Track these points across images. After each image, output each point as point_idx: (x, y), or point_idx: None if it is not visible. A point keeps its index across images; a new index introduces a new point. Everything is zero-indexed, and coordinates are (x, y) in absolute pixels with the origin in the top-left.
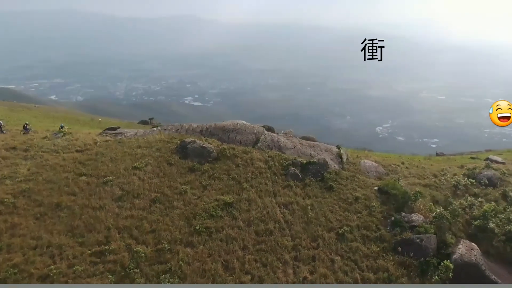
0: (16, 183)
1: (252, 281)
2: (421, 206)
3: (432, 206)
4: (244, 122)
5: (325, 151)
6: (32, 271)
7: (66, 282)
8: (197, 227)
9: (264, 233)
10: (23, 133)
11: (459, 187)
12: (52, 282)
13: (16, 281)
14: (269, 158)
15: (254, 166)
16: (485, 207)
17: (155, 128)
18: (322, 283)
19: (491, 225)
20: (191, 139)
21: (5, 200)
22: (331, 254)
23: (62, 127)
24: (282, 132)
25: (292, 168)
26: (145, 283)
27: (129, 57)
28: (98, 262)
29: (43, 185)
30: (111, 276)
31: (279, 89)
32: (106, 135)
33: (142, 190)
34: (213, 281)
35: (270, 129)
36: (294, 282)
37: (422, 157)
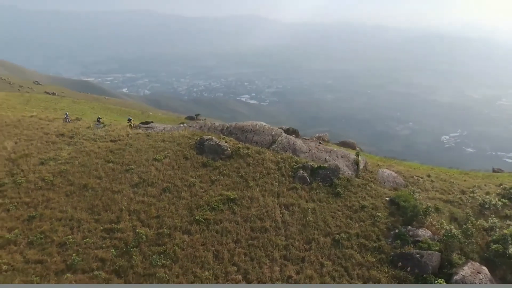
0: (57, 164)
1: (237, 273)
2: (433, 222)
3: (444, 223)
4: (263, 124)
5: (341, 157)
6: (54, 238)
7: (77, 251)
8: (198, 218)
9: (259, 230)
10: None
11: (487, 206)
12: (66, 249)
13: (40, 245)
14: (281, 160)
15: (264, 166)
16: (506, 230)
17: (181, 125)
18: (301, 278)
19: (511, 250)
20: (209, 136)
21: (45, 178)
22: (322, 258)
23: (129, 119)
24: (316, 135)
25: (301, 171)
26: (142, 261)
27: (193, 54)
28: (106, 237)
29: (77, 168)
30: (113, 251)
31: (336, 91)
32: (139, 128)
33: (156, 180)
34: (201, 268)
35: (294, 131)
36: (278, 279)
37: (458, 171)
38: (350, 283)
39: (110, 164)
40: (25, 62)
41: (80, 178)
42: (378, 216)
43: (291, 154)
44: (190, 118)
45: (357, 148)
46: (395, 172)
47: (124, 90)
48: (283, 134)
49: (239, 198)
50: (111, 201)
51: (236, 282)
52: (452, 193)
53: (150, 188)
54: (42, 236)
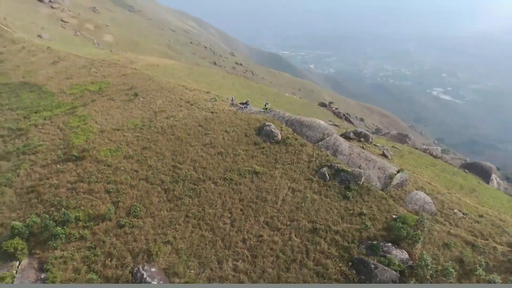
0: (173, 120)
1: (229, 218)
2: (419, 251)
3: (425, 255)
4: (321, 122)
5: (378, 168)
6: (148, 161)
7: (155, 170)
8: (226, 176)
9: (262, 199)
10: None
11: None
12: (150, 168)
13: (141, 162)
14: (316, 155)
15: (297, 156)
16: None
17: (263, 110)
18: (269, 240)
19: None
20: (270, 123)
21: (163, 127)
22: (294, 234)
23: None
24: (424, 146)
25: (325, 168)
26: (180, 188)
27: (389, 35)
28: (171, 170)
29: (181, 125)
30: (170, 178)
31: None
32: (235, 107)
33: (218, 144)
34: (210, 207)
35: (364, 136)
36: (251, 233)
37: None
38: (303, 261)
39: (199, 128)
40: (237, 33)
41: (178, 132)
42: (369, 226)
43: (329, 153)
44: (323, 105)
45: (493, 175)
46: (431, 198)
47: (311, 66)
48: (335, 135)
49: (262, 173)
50: (186, 150)
51: (224, 225)
52: (483, 236)
53: (211, 149)
54: (144, 158)
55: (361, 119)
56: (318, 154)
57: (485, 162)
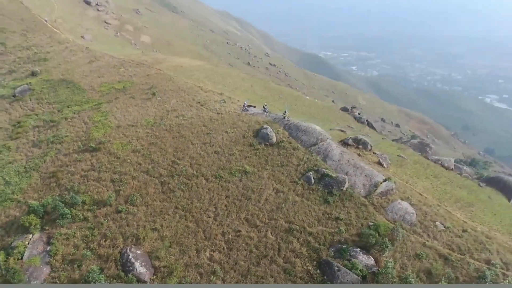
0: (181, 119)
1: (213, 213)
2: (386, 259)
3: (390, 263)
4: (316, 128)
5: (365, 176)
6: (152, 156)
7: (154, 163)
8: (217, 174)
9: (245, 196)
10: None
11: (487, 280)
12: (152, 161)
13: (146, 155)
14: (306, 160)
15: (288, 159)
16: None
17: (265, 113)
18: (245, 236)
19: None
20: (267, 126)
21: (171, 125)
22: (269, 232)
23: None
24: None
25: (311, 173)
26: (175, 182)
27: (438, 38)
28: (171, 164)
29: (187, 124)
30: (166, 172)
31: None
32: (242, 109)
33: (216, 144)
34: (198, 201)
35: (363, 143)
36: (230, 228)
37: None
38: (273, 257)
39: (203, 127)
40: (279, 33)
41: (184, 130)
42: (341, 230)
43: (319, 158)
44: (344, 109)
45: None
46: (414, 209)
47: (354, 67)
48: (328, 140)
49: (251, 173)
50: (186, 148)
51: (207, 218)
52: (467, 254)
53: (209, 148)
54: (149, 152)
55: (397, 125)
56: (308, 158)
57: (509, 177)
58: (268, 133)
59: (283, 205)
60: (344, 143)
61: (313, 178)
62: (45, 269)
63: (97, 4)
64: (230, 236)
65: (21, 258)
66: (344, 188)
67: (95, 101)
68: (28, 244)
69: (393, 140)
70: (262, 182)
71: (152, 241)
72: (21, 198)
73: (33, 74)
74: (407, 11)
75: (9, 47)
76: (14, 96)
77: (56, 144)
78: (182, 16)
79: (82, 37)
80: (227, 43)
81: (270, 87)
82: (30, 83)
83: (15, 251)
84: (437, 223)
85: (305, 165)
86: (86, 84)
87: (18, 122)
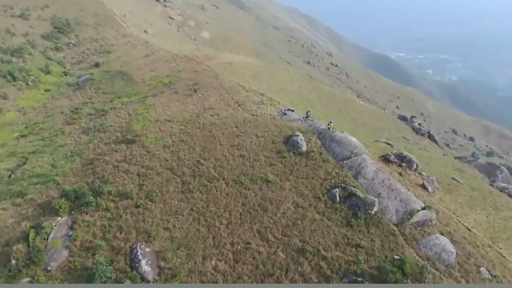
0: (216, 118)
1: (220, 217)
2: None
3: None
4: (353, 140)
5: (400, 200)
6: (180, 153)
7: (179, 162)
8: (238, 179)
9: (262, 206)
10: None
11: None
12: (180, 159)
13: (175, 151)
14: (335, 174)
15: (315, 172)
16: None
17: (305, 118)
18: (254, 249)
19: None
20: (299, 134)
21: (204, 123)
22: (279, 249)
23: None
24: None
25: (337, 189)
26: (197, 182)
27: None
28: (196, 164)
29: (220, 124)
30: (189, 171)
31: None
32: (279, 112)
33: (243, 147)
34: (214, 205)
35: (408, 161)
36: (244, 228)
37: None
38: (280, 278)
39: (234, 128)
40: (350, 33)
41: (215, 130)
42: (359, 259)
43: (350, 174)
44: (403, 118)
45: None
46: (454, 246)
47: (429, 71)
48: (364, 155)
49: (273, 182)
50: (214, 148)
51: (220, 224)
52: None
53: (236, 150)
54: (178, 149)
55: (471, 138)
56: (337, 173)
57: None
58: (298, 141)
59: (300, 222)
60: (385, 159)
61: (339, 195)
62: (64, 252)
63: (164, 0)
64: (239, 247)
65: (47, 239)
66: (372, 212)
67: (142, 94)
68: (55, 226)
69: (456, 158)
70: (283, 193)
71: (163, 240)
72: (61, 181)
73: (96, 65)
74: (498, 12)
75: (81, 38)
76: (77, 84)
77: (101, 132)
78: (248, 12)
79: (145, 31)
80: (289, 40)
81: (320, 88)
82: (92, 73)
83: (43, 231)
84: (482, 268)
85: (333, 180)
86: (139, 77)
87: (76, 109)
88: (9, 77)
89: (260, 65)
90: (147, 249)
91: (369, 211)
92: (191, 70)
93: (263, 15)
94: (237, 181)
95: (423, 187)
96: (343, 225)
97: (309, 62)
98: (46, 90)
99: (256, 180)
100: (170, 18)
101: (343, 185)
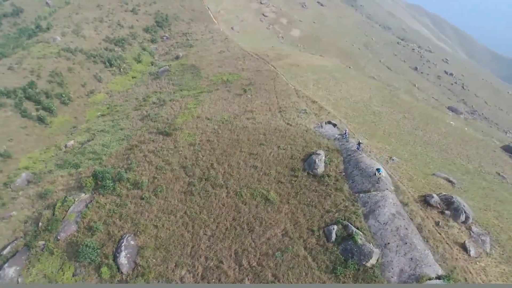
0: (251, 123)
1: (207, 227)
2: None
3: None
4: (378, 166)
5: (410, 259)
6: (200, 154)
7: (196, 163)
8: (239, 191)
9: (249, 227)
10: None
11: None
12: (197, 159)
13: (195, 143)
14: (343, 208)
15: (320, 200)
16: None
17: (336, 135)
18: (224, 271)
19: None
20: (320, 153)
21: (237, 126)
22: (247, 278)
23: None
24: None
25: (337, 226)
26: (199, 191)
27: None
28: (215, 164)
29: (252, 128)
30: (198, 173)
31: None
32: (317, 125)
33: (261, 156)
34: (200, 213)
35: (446, 201)
36: (217, 251)
37: None
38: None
39: (261, 136)
40: (481, 36)
41: (243, 134)
42: None
43: (360, 212)
44: (508, 149)
45: None
46: None
47: None
48: (386, 191)
49: (272, 202)
50: (232, 154)
51: (203, 234)
52: None
53: (251, 160)
54: (200, 148)
55: None
56: (345, 207)
57: None
58: (316, 161)
59: (281, 254)
60: (425, 200)
61: (335, 234)
62: (73, 226)
63: None
64: (211, 263)
65: (67, 211)
66: (368, 264)
67: (200, 89)
68: (76, 201)
69: None
70: (277, 217)
71: (148, 237)
72: (104, 161)
73: (177, 57)
74: None
75: (173, 32)
76: (157, 74)
77: (151, 121)
78: (360, 11)
79: (231, 28)
80: (398, 43)
81: (397, 101)
82: (170, 65)
83: (65, 203)
84: None
85: (337, 214)
86: (206, 72)
87: (147, 96)
88: (107, 63)
89: (332, 69)
90: (132, 242)
91: (364, 263)
92: (253, 70)
93: (376, 13)
94: (238, 193)
95: (463, 247)
96: (327, 271)
97: (416, 68)
98: (133, 77)
99: (256, 196)
100: (263, 15)
101: (345, 222)
